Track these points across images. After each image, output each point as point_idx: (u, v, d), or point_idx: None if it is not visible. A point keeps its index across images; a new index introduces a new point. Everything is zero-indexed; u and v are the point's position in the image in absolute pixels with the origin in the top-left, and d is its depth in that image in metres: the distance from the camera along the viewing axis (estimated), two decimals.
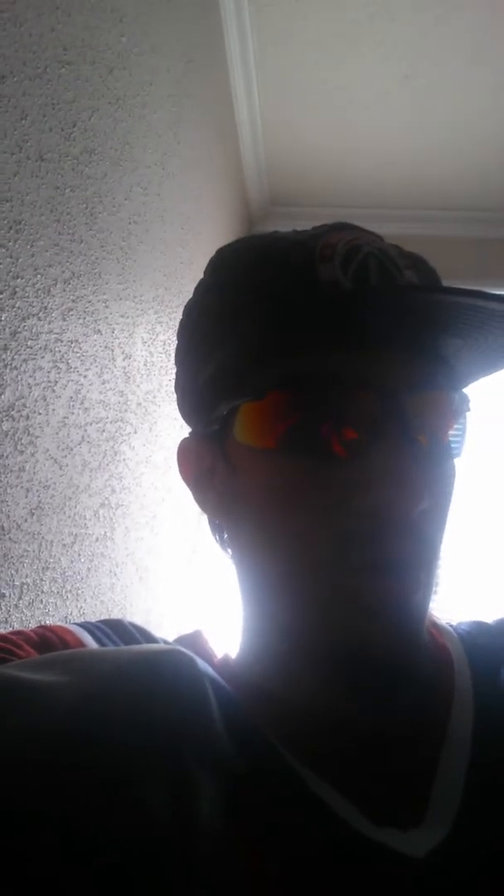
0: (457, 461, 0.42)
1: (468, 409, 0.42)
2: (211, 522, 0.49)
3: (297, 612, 0.39)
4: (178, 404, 0.50)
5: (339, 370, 0.38)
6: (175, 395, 0.50)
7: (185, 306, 0.49)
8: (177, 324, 0.49)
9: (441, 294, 0.34)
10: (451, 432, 0.41)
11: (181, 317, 0.49)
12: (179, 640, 0.49)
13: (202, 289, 0.47)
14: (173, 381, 0.50)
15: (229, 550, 0.47)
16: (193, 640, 0.49)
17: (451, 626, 0.49)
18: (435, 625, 0.48)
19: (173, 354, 0.50)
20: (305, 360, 0.38)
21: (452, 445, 0.41)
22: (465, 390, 0.43)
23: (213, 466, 0.45)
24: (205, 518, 0.51)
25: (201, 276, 0.48)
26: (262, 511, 0.40)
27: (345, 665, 0.37)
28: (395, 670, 0.36)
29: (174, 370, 0.49)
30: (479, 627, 0.49)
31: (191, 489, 0.48)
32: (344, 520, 0.37)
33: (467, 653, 0.45)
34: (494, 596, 1.61)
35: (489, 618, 0.50)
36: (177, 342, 0.49)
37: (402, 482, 0.35)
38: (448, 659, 0.45)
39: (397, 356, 0.39)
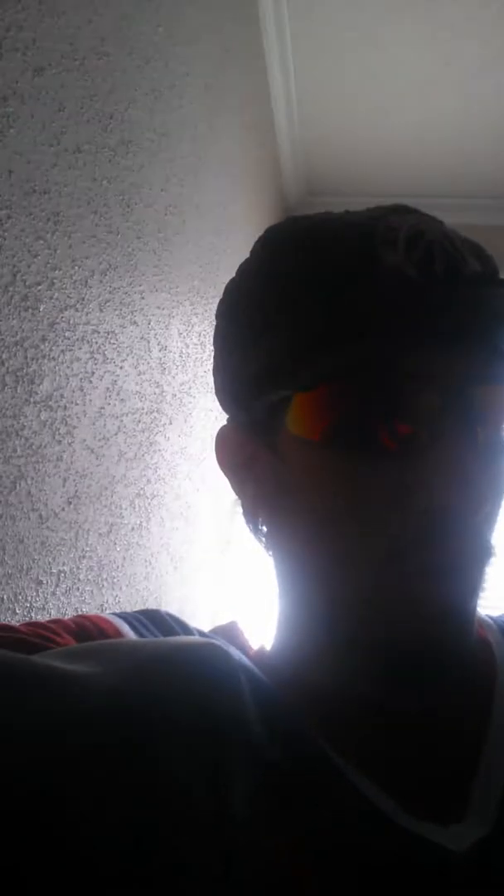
0: None
1: None
2: (246, 512, 0.48)
3: (342, 609, 0.38)
4: (217, 390, 0.48)
5: (396, 361, 0.36)
6: (213, 381, 0.48)
7: (227, 286, 0.46)
8: (213, 315, 0.48)
9: None
10: None
11: (221, 296, 0.47)
12: (215, 631, 0.49)
13: (247, 269, 0.45)
14: (210, 367, 0.48)
15: (264, 540, 0.46)
16: (229, 632, 0.48)
17: (490, 618, 0.48)
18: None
19: (209, 345, 0.48)
20: (361, 350, 0.36)
21: None
22: None
23: (255, 455, 0.44)
24: (240, 508, 0.50)
25: (237, 267, 0.47)
26: (308, 505, 0.39)
27: (392, 660, 0.36)
28: (445, 669, 0.35)
29: (210, 361, 0.48)
30: None
31: (228, 477, 0.47)
32: (398, 521, 0.35)
33: None
34: None
35: None
36: (216, 323, 0.47)
37: (465, 484, 0.34)
38: (489, 652, 0.44)
39: (459, 348, 0.36)
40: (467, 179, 2.07)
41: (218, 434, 0.47)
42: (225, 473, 0.48)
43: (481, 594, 0.38)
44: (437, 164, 2.03)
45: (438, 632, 0.35)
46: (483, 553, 0.37)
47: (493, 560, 0.38)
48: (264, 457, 0.43)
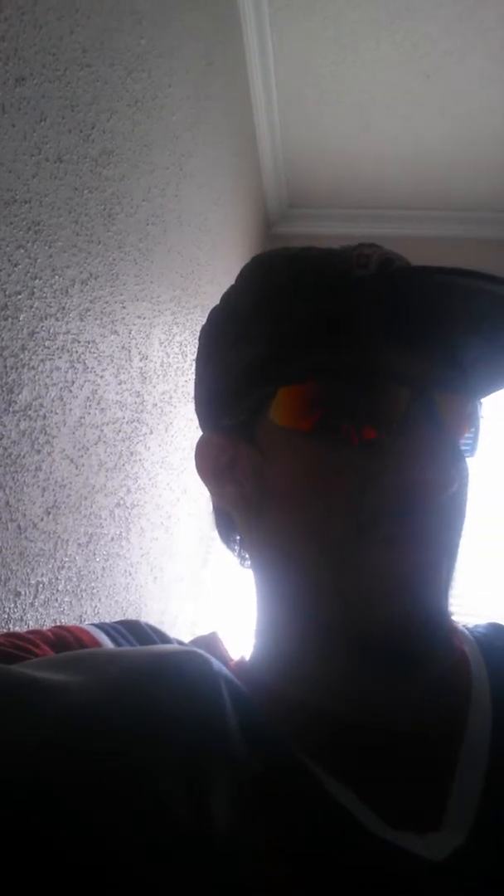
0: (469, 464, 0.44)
1: (482, 416, 0.44)
2: (220, 518, 0.50)
3: (320, 595, 0.40)
4: (197, 402, 0.51)
5: (372, 361, 0.40)
6: (193, 395, 0.51)
7: (212, 311, 0.50)
8: (194, 324, 0.50)
9: (482, 281, 0.36)
10: (465, 436, 0.43)
11: (204, 322, 0.50)
12: (195, 642, 0.49)
13: (234, 290, 0.49)
14: (190, 383, 0.50)
15: (237, 549, 0.48)
16: (209, 642, 0.49)
17: (466, 628, 0.49)
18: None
19: (190, 355, 0.51)
20: (341, 349, 0.41)
21: (465, 449, 0.43)
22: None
23: (236, 457, 0.46)
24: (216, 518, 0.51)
25: (218, 277, 0.49)
26: (291, 492, 0.42)
27: (365, 640, 0.37)
28: (417, 641, 0.37)
29: (191, 371, 0.50)
30: (496, 630, 0.49)
31: (207, 483, 0.49)
32: (373, 498, 0.38)
33: (484, 655, 0.45)
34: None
35: None
36: (199, 345, 0.50)
37: (433, 462, 0.38)
38: (465, 661, 0.45)
39: (426, 357, 0.41)
40: (447, 192, 2.09)
41: (198, 442, 0.48)
42: (205, 481, 0.48)
43: (452, 579, 0.40)
44: (417, 177, 2.05)
45: (405, 592, 0.37)
46: (447, 531, 0.40)
47: (458, 551, 0.41)
48: (245, 456, 0.44)
